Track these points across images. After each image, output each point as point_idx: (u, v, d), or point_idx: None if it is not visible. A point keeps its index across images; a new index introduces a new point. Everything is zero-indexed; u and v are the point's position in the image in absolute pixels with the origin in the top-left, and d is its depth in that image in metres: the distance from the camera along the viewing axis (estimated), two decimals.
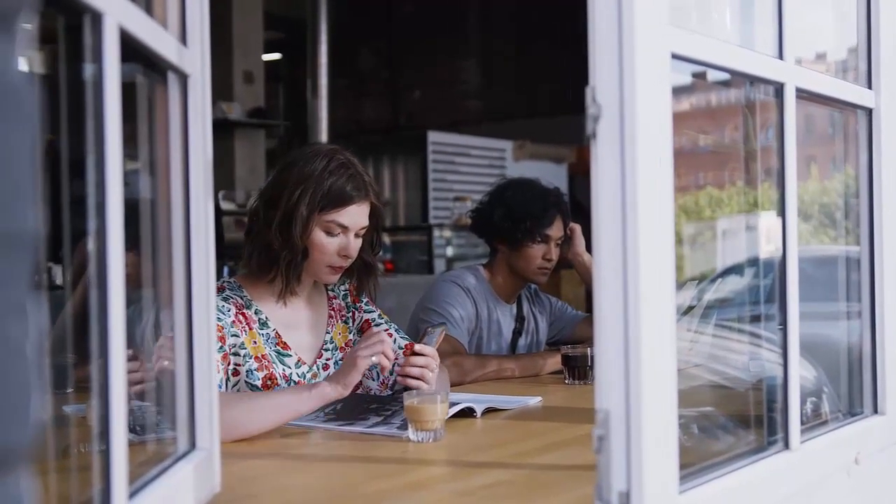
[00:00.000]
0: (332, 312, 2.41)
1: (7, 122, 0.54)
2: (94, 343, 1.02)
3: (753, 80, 1.59)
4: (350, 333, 2.42)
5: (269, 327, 2.25)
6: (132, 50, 1.13)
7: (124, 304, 1.05)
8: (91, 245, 1.05)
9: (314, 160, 2.21)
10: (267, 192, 2.26)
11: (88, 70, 1.04)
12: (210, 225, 1.42)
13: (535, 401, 2.38)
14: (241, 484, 1.58)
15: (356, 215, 2.24)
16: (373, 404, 2.16)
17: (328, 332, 2.38)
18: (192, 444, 1.39)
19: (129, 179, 1.11)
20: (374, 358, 2.00)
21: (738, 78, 1.62)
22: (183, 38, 1.37)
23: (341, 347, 2.38)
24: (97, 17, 1.01)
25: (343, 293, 2.46)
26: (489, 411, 2.21)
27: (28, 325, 0.57)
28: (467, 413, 2.14)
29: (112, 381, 1.03)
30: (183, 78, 1.36)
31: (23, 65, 0.57)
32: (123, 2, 1.07)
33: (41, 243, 0.59)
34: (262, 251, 2.23)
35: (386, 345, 2.02)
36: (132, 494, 1.11)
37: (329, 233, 2.22)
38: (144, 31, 1.16)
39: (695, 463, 1.36)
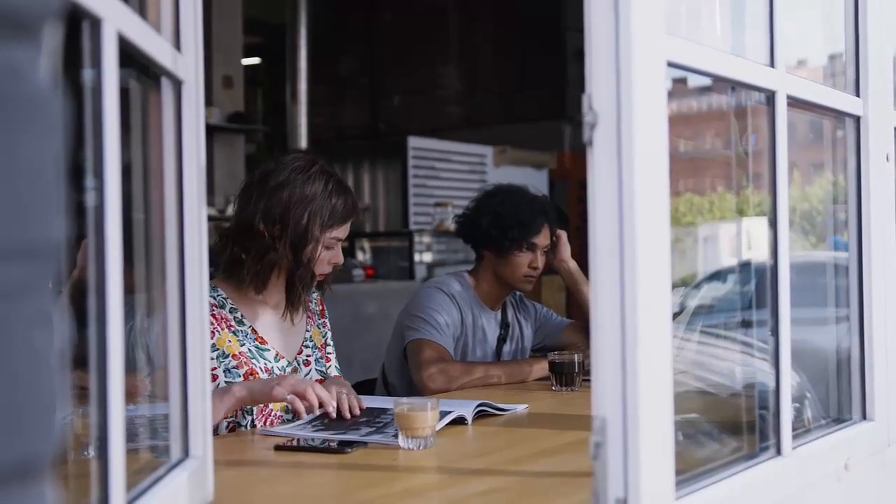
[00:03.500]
0: (310, 313, 2.51)
1: (33, 130, 0.54)
2: (93, 351, 1.01)
3: (746, 88, 1.60)
4: (322, 338, 2.53)
5: (245, 325, 2.32)
6: (127, 55, 1.12)
7: (122, 311, 1.04)
8: (77, 250, 1.04)
9: (312, 182, 2.30)
10: (268, 210, 2.27)
11: (86, 75, 1.03)
12: (204, 232, 1.41)
13: (522, 408, 2.39)
14: (233, 493, 1.57)
15: (349, 227, 2.39)
16: (362, 417, 2.16)
17: (308, 331, 2.47)
18: (186, 453, 1.38)
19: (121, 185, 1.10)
20: (289, 397, 2.05)
21: (721, 84, 1.63)
22: (177, 44, 1.36)
23: (320, 347, 2.49)
24: (96, 23, 1.00)
25: (314, 300, 2.56)
26: (481, 415, 2.22)
27: (53, 334, 0.57)
28: (457, 420, 2.14)
29: (110, 388, 1.02)
30: (177, 84, 1.35)
31: (48, 73, 0.57)
32: (122, 7, 1.06)
33: (62, 252, 0.59)
34: (269, 268, 2.30)
35: (309, 393, 2.07)
36: (129, 503, 1.10)
37: (328, 248, 2.34)
38: (141, 37, 1.15)
39: (689, 469, 1.36)
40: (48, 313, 0.57)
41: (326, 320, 2.57)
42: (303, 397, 2.06)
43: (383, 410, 2.21)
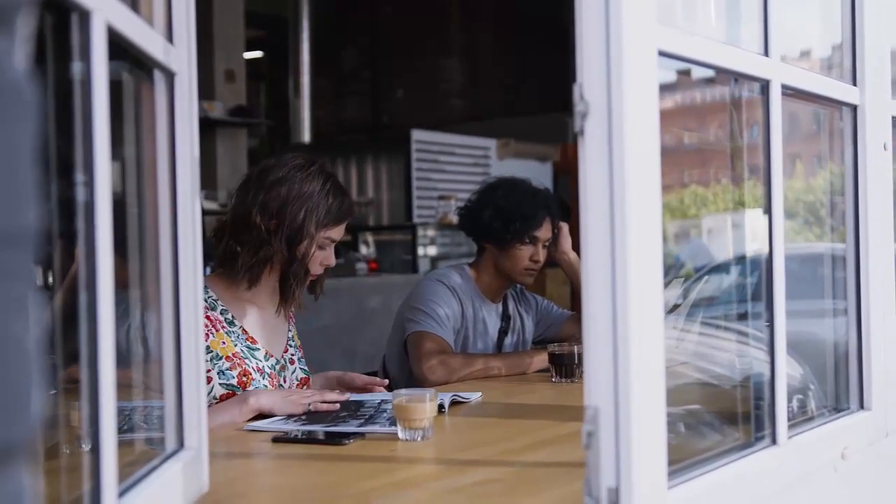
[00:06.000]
0: (292, 313, 2.54)
1: (7, 119, 0.54)
2: (84, 343, 1.02)
3: (739, 77, 1.60)
4: (298, 339, 2.57)
5: (235, 325, 2.34)
6: (118, 48, 1.13)
7: (113, 304, 1.04)
8: (74, 245, 1.04)
9: (310, 180, 2.33)
10: (265, 205, 2.30)
11: (76, 68, 1.03)
12: (197, 225, 1.42)
13: (476, 396, 2.42)
14: (228, 484, 1.57)
15: (343, 230, 2.42)
16: (342, 411, 2.16)
17: (290, 331, 2.51)
18: (181, 444, 1.39)
19: (113, 179, 1.10)
20: (311, 407, 2.17)
21: (724, 75, 1.62)
22: (169, 37, 1.36)
23: (299, 346, 2.54)
24: (85, 15, 1.00)
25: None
26: (479, 406, 2.25)
27: (29, 321, 0.57)
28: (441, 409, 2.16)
29: (101, 381, 1.02)
30: (170, 76, 1.36)
31: (22, 62, 0.57)
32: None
33: (38, 241, 0.59)
34: (262, 263, 2.32)
35: (326, 396, 2.23)
36: (121, 493, 1.11)
37: (320, 247, 2.36)
38: (132, 29, 1.15)
39: (684, 459, 1.36)
40: (26, 300, 0.57)
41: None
42: (322, 401, 2.19)
43: (361, 403, 2.24)
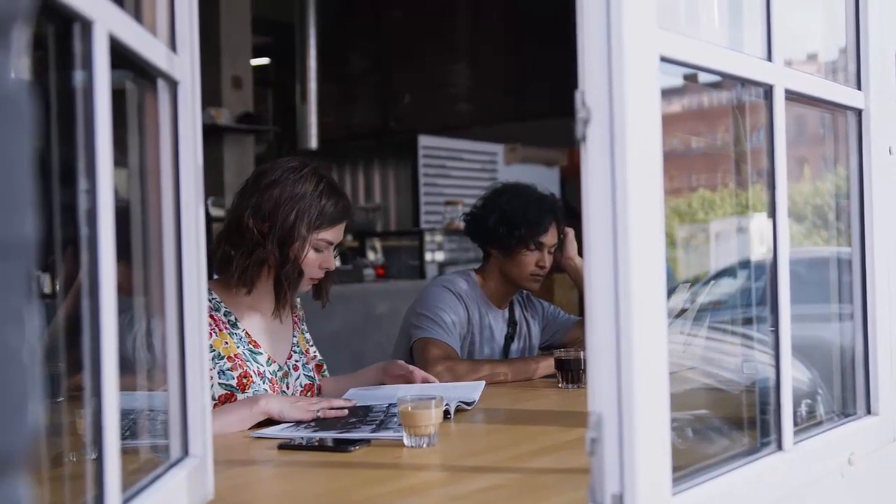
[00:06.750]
0: (296, 320, 2.55)
1: (3, 129, 0.55)
2: (87, 351, 1.02)
3: (743, 82, 1.59)
4: (307, 343, 2.57)
5: (239, 328, 2.35)
6: (121, 56, 1.13)
7: (116, 312, 1.04)
8: (81, 253, 1.05)
9: (303, 182, 2.34)
10: (258, 207, 2.32)
11: (78, 77, 1.04)
12: (201, 232, 1.42)
13: (479, 385, 2.46)
14: (233, 491, 1.57)
15: (341, 232, 2.41)
16: (351, 417, 2.16)
17: (294, 337, 2.51)
18: (185, 451, 1.39)
19: (118, 187, 1.11)
20: (319, 413, 2.16)
21: (728, 80, 1.62)
22: (172, 45, 1.37)
23: (305, 352, 2.53)
24: (87, 25, 1.01)
25: (299, 305, 2.62)
26: (459, 411, 2.25)
27: (25, 332, 0.57)
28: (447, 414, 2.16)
29: (104, 389, 1.02)
30: (173, 85, 1.36)
31: (18, 73, 0.57)
32: (113, 9, 1.07)
33: (35, 251, 0.59)
34: (256, 265, 2.32)
35: (333, 403, 2.23)
36: (125, 501, 1.11)
37: (317, 249, 2.36)
38: (134, 39, 1.16)
39: (689, 465, 1.36)
40: (21, 311, 0.57)
41: (304, 326, 2.61)
42: (329, 408, 2.19)
43: (369, 409, 2.23)
